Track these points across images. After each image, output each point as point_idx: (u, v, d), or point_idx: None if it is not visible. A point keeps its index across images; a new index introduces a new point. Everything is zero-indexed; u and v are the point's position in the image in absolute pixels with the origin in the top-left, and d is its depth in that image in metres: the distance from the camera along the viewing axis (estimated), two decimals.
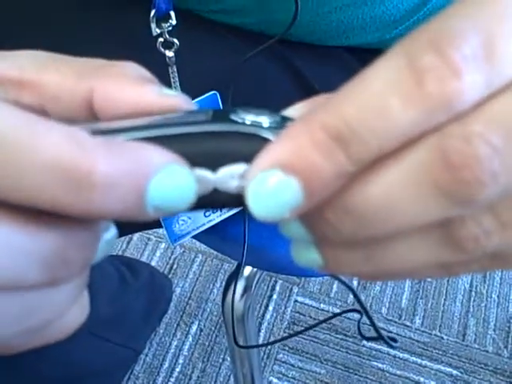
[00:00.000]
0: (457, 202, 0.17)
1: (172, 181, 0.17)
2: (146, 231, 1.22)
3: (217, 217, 0.50)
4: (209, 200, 0.19)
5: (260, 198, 0.17)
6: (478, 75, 0.16)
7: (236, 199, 0.19)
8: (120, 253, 1.20)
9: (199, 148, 0.19)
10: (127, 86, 0.20)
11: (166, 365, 1.09)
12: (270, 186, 0.17)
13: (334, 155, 0.16)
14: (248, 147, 0.18)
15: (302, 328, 1.13)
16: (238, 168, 0.18)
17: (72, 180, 0.16)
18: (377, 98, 0.16)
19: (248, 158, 0.18)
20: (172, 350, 1.10)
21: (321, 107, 0.17)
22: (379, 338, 0.44)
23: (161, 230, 1.22)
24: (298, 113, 0.20)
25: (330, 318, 0.60)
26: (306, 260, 0.20)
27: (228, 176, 0.18)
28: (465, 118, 0.16)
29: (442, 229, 0.18)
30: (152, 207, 0.17)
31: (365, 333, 0.55)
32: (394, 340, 0.46)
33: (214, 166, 0.18)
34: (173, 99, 0.20)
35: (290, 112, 0.20)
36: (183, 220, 0.50)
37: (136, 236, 1.22)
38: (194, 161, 0.18)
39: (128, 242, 1.21)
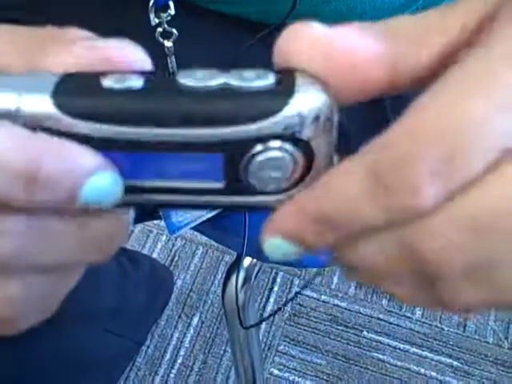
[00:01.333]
0: (416, 270, 0.19)
1: (102, 184, 0.20)
2: (147, 223, 1.22)
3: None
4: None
5: (272, 252, 0.21)
6: (440, 186, 0.17)
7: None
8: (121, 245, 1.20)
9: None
10: (65, 52, 0.20)
11: (168, 356, 1.10)
12: (276, 246, 0.21)
13: (320, 233, 0.20)
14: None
15: (303, 319, 1.13)
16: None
17: (16, 177, 0.18)
18: (346, 196, 0.19)
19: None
20: (173, 342, 1.11)
21: (305, 196, 0.20)
22: None
23: (162, 223, 1.23)
24: None
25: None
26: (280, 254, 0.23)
27: None
28: (429, 214, 0.18)
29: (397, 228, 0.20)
30: (81, 202, 0.19)
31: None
32: None
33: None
34: (105, 50, 0.20)
35: None
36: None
37: (137, 228, 1.22)
38: None
39: (129, 235, 1.22)
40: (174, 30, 0.41)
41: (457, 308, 0.20)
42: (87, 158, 0.19)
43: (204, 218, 0.51)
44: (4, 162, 0.18)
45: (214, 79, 0.19)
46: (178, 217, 0.49)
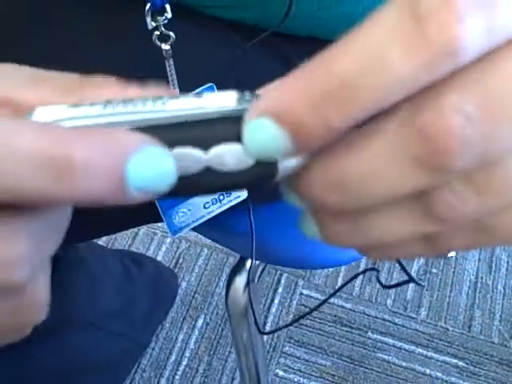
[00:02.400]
0: (432, 172, 0.17)
1: (149, 161, 0.18)
2: (152, 226, 1.23)
3: (216, 208, 0.51)
4: (202, 180, 0.19)
5: (254, 141, 0.18)
6: (479, 22, 0.15)
7: (229, 179, 0.19)
8: (126, 248, 1.21)
9: (189, 130, 0.19)
10: (112, 93, 0.20)
11: (173, 358, 1.10)
12: (261, 132, 0.18)
13: (325, 113, 0.16)
14: (239, 127, 0.19)
15: (308, 320, 1.13)
16: (230, 147, 0.19)
17: (52, 169, 0.17)
18: (375, 47, 0.16)
19: (240, 138, 0.19)
20: (178, 344, 1.11)
21: (318, 59, 0.17)
22: (404, 282, 0.42)
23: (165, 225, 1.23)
24: None
25: (347, 282, 0.60)
26: (307, 231, 0.21)
27: (221, 155, 0.19)
28: (439, 87, 0.17)
29: (421, 199, 0.18)
30: (135, 189, 0.18)
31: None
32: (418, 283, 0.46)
33: (205, 146, 0.19)
34: (156, 92, 0.20)
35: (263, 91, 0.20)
36: (183, 212, 0.50)
37: (142, 231, 1.23)
38: (184, 142, 0.19)
39: (134, 237, 1.22)
40: (172, 34, 0.41)
41: (447, 215, 0.18)
42: (125, 135, 0.18)
43: (204, 219, 0.51)
44: (33, 154, 0.17)
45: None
46: (179, 218, 0.50)
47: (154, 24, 0.40)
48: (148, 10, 0.39)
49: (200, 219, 0.51)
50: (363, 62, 0.16)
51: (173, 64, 0.42)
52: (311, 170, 0.18)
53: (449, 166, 0.17)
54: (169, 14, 0.40)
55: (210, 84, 0.44)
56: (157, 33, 0.40)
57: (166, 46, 0.41)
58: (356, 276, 0.66)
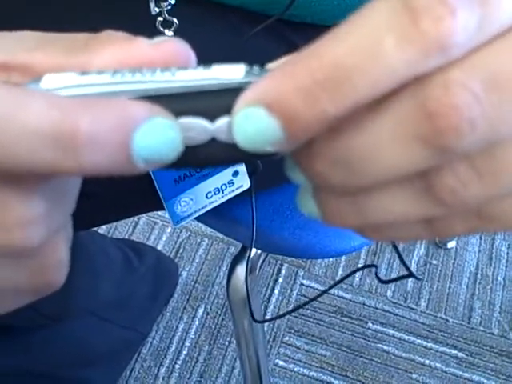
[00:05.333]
0: (435, 150, 0.17)
1: (155, 131, 0.18)
2: (152, 215, 1.23)
3: (219, 198, 0.51)
4: (208, 151, 0.19)
5: (243, 131, 0.18)
6: (472, 15, 0.16)
7: (235, 150, 0.19)
8: (126, 237, 1.20)
9: (196, 101, 0.19)
10: (119, 48, 0.20)
11: (173, 348, 1.10)
12: (251, 122, 0.17)
13: (317, 100, 0.16)
14: None
15: (308, 311, 1.13)
16: None
17: (58, 142, 0.17)
18: (369, 36, 0.16)
19: None
20: (179, 333, 1.11)
21: (311, 47, 0.17)
22: (402, 277, 0.42)
23: (167, 214, 1.23)
24: None
25: (346, 277, 0.60)
26: (306, 209, 0.21)
27: (227, 126, 0.19)
28: (446, 67, 0.16)
29: (423, 181, 0.18)
30: (141, 159, 0.18)
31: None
32: (416, 277, 0.45)
33: (211, 117, 0.19)
34: (166, 44, 0.20)
35: (271, 67, 0.20)
36: (185, 201, 0.50)
37: (142, 220, 1.22)
38: (190, 112, 0.19)
39: (134, 227, 1.22)
40: (175, 20, 0.40)
41: (447, 198, 0.18)
42: (131, 105, 0.18)
43: (207, 209, 0.51)
44: (39, 127, 0.17)
45: None
46: (182, 207, 0.50)
47: (157, 10, 0.39)
48: None
49: (202, 209, 0.51)
50: (357, 50, 0.16)
51: None
52: (314, 144, 0.18)
53: (452, 145, 0.16)
54: (172, 0, 0.39)
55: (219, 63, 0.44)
56: (160, 19, 0.40)
57: (169, 33, 0.41)
58: (355, 271, 0.66)
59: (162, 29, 0.41)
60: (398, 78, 0.16)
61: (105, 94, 0.19)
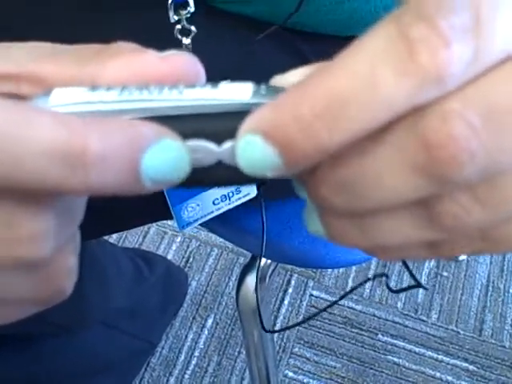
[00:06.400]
0: (434, 180, 0.17)
1: (164, 153, 0.18)
2: (162, 225, 1.23)
3: (225, 205, 0.51)
4: (214, 173, 0.19)
5: (245, 157, 0.18)
6: (466, 46, 0.16)
7: (241, 173, 0.19)
8: (136, 246, 1.21)
9: (204, 123, 0.19)
10: (129, 60, 0.20)
11: (182, 357, 1.10)
12: (251, 148, 0.18)
13: (313, 131, 0.16)
14: None
15: (318, 322, 1.13)
16: None
17: (66, 161, 0.17)
18: (366, 69, 0.16)
19: None
20: (188, 343, 1.11)
21: (309, 78, 0.17)
22: (410, 287, 0.43)
23: (175, 223, 1.23)
24: (288, 81, 0.20)
25: (357, 287, 0.60)
26: (312, 228, 0.21)
27: (233, 149, 0.19)
28: (443, 98, 0.17)
29: (424, 206, 0.18)
30: (148, 179, 0.18)
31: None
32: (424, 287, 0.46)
33: (218, 140, 0.19)
34: (175, 58, 0.20)
35: (279, 80, 0.20)
36: (192, 207, 0.50)
37: (152, 230, 1.23)
38: (198, 135, 0.19)
39: (144, 236, 1.22)
40: (193, 28, 0.41)
41: (449, 224, 0.18)
42: (141, 127, 0.18)
43: (213, 215, 0.51)
44: (47, 147, 0.17)
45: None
46: (188, 213, 0.50)
47: (176, 18, 0.40)
48: (171, 4, 0.39)
49: (208, 215, 0.51)
50: (354, 81, 0.16)
51: None
52: (318, 170, 0.18)
53: (451, 176, 0.17)
54: (192, 8, 0.39)
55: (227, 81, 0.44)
56: (178, 27, 0.40)
57: (186, 40, 0.41)
58: (366, 281, 0.66)
59: (180, 36, 0.41)
60: (396, 110, 0.17)
61: (112, 111, 0.19)
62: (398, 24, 0.16)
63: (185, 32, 0.41)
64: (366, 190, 0.18)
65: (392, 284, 1.17)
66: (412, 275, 0.42)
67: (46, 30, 0.45)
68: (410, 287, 0.44)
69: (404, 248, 0.20)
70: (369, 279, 0.62)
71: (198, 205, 0.50)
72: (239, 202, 0.51)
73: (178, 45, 0.41)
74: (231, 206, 0.51)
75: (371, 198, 0.18)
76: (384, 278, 0.61)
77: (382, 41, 0.16)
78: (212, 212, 0.51)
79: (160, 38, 0.42)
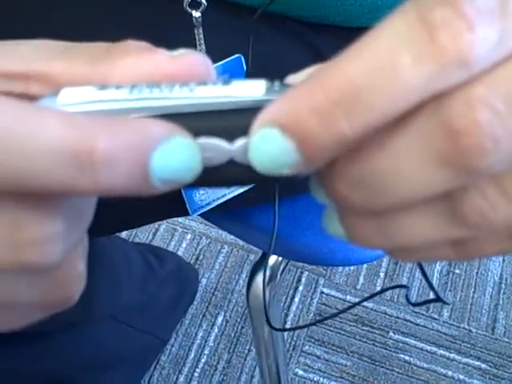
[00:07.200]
0: (459, 170, 0.16)
1: (175, 152, 0.17)
2: (172, 222, 1.23)
3: (236, 189, 0.50)
4: (225, 172, 0.19)
5: (260, 153, 0.17)
6: (491, 30, 0.15)
7: (253, 172, 0.18)
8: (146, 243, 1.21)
9: (216, 121, 0.18)
10: (139, 59, 0.19)
11: (192, 355, 1.10)
12: (267, 143, 0.17)
13: (333, 122, 0.16)
14: None
15: (328, 320, 1.12)
16: None
17: (74, 161, 0.16)
18: (385, 54, 0.16)
19: None
20: (198, 341, 1.11)
21: (326, 67, 0.16)
22: (430, 301, 0.42)
23: (187, 221, 1.23)
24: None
25: (374, 295, 0.60)
26: (332, 230, 0.21)
27: (246, 147, 0.18)
28: (468, 83, 0.16)
29: (448, 201, 0.18)
30: (158, 180, 0.17)
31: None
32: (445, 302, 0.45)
33: (230, 138, 0.18)
34: (186, 57, 0.20)
35: (293, 79, 0.20)
36: (204, 190, 0.49)
37: (162, 227, 1.22)
38: (209, 132, 0.18)
39: (154, 233, 1.22)
40: (203, 0, 0.40)
41: (475, 221, 0.18)
42: (150, 125, 0.17)
43: (225, 199, 0.50)
44: (55, 147, 0.16)
45: None
46: (200, 196, 0.49)
47: None
48: None
49: (221, 198, 0.50)
50: (373, 69, 0.16)
51: (202, 32, 0.41)
52: (335, 166, 0.18)
53: (476, 164, 0.16)
54: None
55: (237, 55, 0.43)
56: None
57: (196, 13, 0.40)
58: (386, 289, 0.65)
59: (189, 9, 0.40)
60: (417, 97, 0.16)
61: (122, 110, 0.18)
62: (418, 9, 0.16)
63: (195, 5, 0.40)
64: (385, 184, 0.17)
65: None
66: (432, 288, 0.42)
67: (46, 29, 0.44)
68: (430, 301, 0.43)
69: (428, 248, 0.20)
70: (388, 288, 0.61)
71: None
72: (250, 186, 0.50)
73: (187, 18, 0.40)
74: (242, 190, 0.50)
75: (391, 193, 0.17)
76: (404, 290, 0.61)
77: (401, 26, 0.16)
78: (225, 195, 0.50)
79: (169, 11, 0.41)
